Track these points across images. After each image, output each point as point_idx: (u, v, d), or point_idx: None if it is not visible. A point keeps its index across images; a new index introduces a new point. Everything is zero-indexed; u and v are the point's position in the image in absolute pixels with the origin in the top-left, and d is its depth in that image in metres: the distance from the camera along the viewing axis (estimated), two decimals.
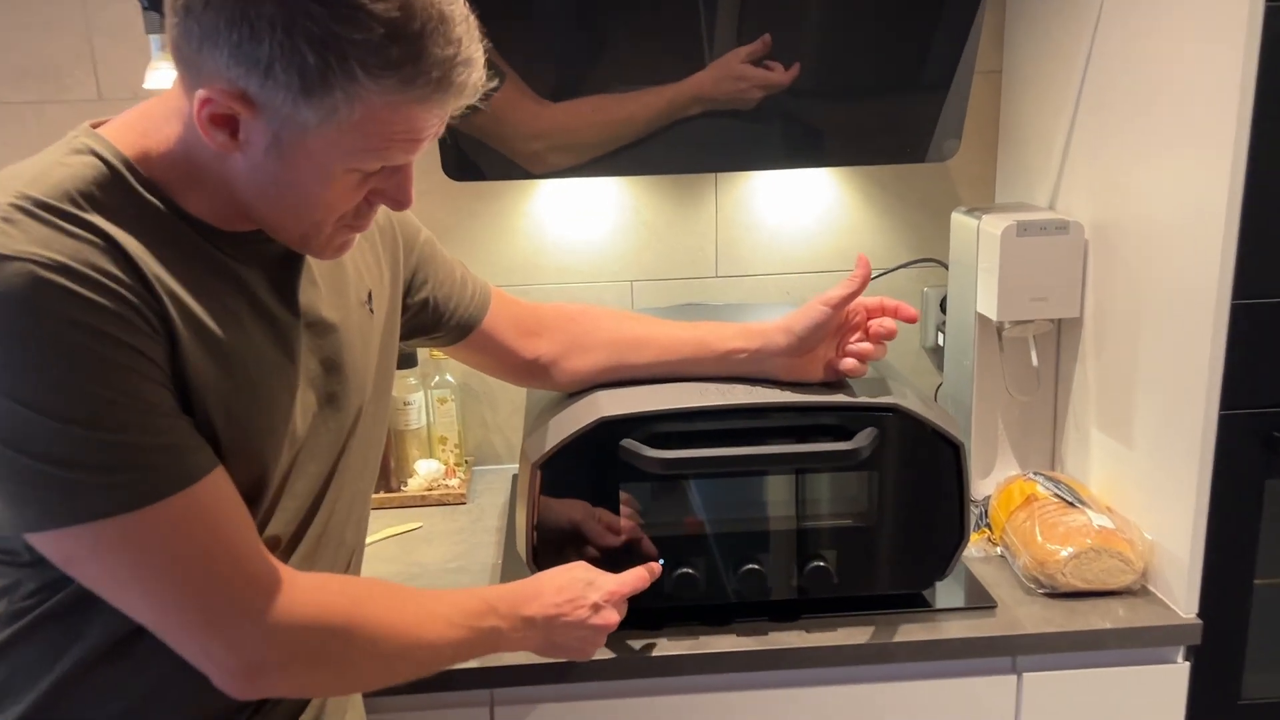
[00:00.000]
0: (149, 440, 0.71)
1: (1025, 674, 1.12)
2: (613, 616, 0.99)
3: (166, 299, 0.73)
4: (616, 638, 1.09)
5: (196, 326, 0.75)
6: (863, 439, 1.05)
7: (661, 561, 1.07)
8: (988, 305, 1.31)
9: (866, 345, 1.07)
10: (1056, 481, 1.25)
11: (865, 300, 1.09)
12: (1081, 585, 1.14)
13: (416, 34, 0.69)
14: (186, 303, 0.74)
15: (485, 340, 1.09)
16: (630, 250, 1.53)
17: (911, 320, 1.07)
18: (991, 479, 1.36)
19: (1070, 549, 1.14)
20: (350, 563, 0.94)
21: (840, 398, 1.07)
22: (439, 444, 1.52)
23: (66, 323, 0.68)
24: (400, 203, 0.79)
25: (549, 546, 1.08)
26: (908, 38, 1.31)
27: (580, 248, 1.52)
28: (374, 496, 1.46)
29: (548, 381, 1.13)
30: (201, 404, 0.75)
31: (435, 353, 1.48)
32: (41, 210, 0.70)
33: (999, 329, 1.34)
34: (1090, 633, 1.10)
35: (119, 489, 0.71)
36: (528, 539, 1.08)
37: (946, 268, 1.47)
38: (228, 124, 0.71)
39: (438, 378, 1.50)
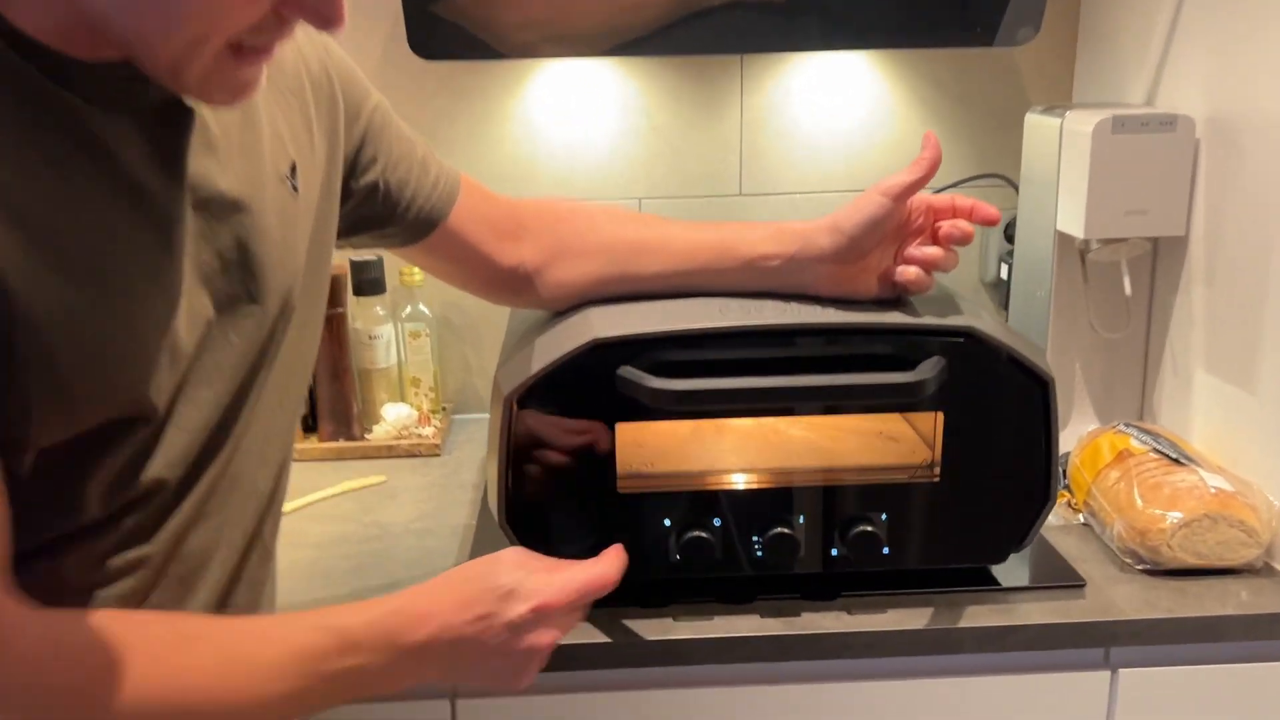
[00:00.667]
0: None
1: (1121, 670, 0.90)
2: (545, 636, 0.71)
3: None
4: (611, 618, 0.87)
5: (10, 203, 0.52)
6: (927, 369, 0.82)
7: (674, 523, 0.85)
8: (1071, 221, 1.07)
9: (934, 250, 0.83)
10: (1155, 435, 1.02)
11: (930, 198, 0.86)
12: (1192, 561, 0.92)
13: None
14: None
15: (451, 241, 0.86)
16: (639, 162, 1.30)
17: (992, 222, 0.84)
18: (1069, 432, 1.13)
19: (1178, 514, 0.91)
20: (265, 517, 0.72)
21: (899, 318, 0.84)
22: (411, 386, 1.30)
23: None
24: (326, 19, 0.56)
25: (526, 503, 0.86)
26: None
27: (579, 158, 1.29)
28: (331, 446, 1.25)
29: (530, 296, 0.90)
30: (24, 317, 0.52)
31: (407, 276, 1.26)
32: None
33: (1083, 252, 1.10)
34: (1204, 619, 0.87)
35: None
36: (500, 494, 0.86)
37: (1015, 186, 1.24)
38: None
39: (410, 308, 1.28)
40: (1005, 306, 1.28)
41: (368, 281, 1.25)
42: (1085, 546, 0.99)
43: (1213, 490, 0.93)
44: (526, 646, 0.70)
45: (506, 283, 0.89)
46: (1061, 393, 1.14)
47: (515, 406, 0.83)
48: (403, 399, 1.30)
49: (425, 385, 1.30)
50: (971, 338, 0.84)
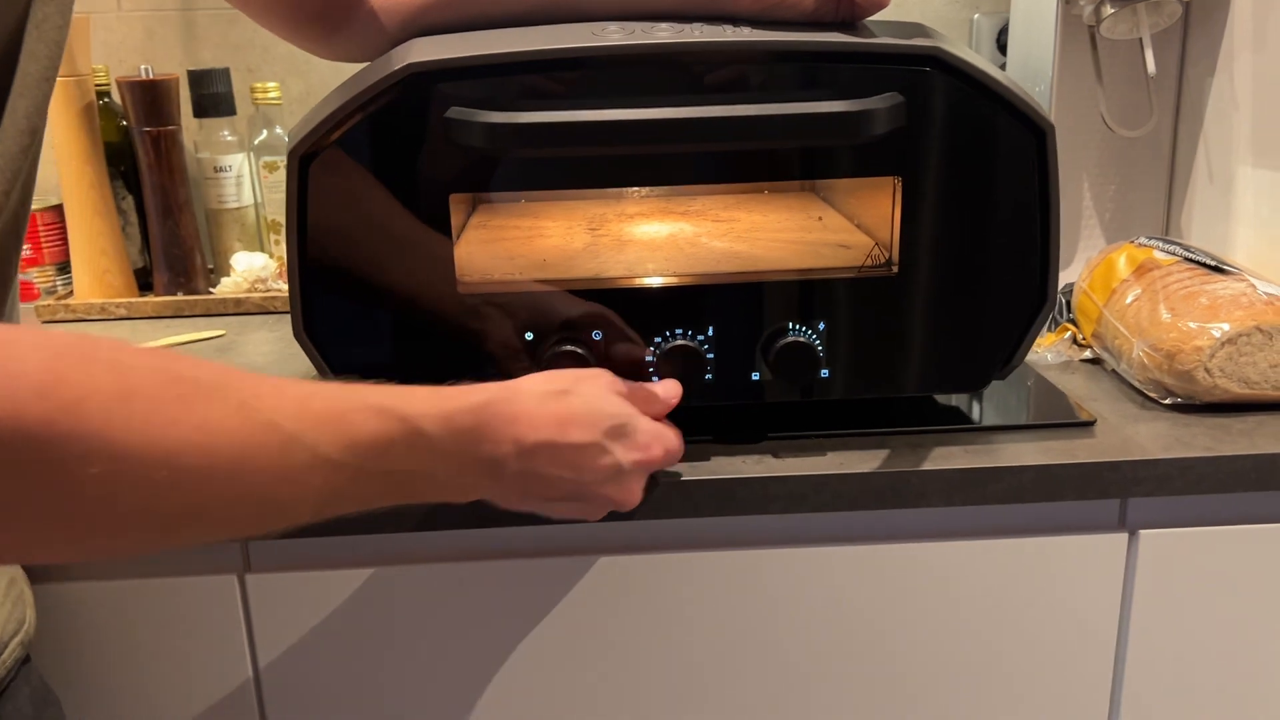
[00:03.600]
0: None
1: (1142, 531, 0.67)
2: (637, 493, 0.56)
3: None
4: None
5: None
6: (876, 101, 0.59)
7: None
8: None
9: None
10: (1185, 246, 0.79)
11: None
12: (1238, 390, 0.69)
13: None
14: None
15: None
16: None
17: None
18: (1077, 261, 0.90)
19: (1223, 326, 0.68)
20: None
21: (841, 39, 0.61)
22: (271, 232, 1.07)
23: None
24: None
25: (331, 305, 0.63)
26: None
27: None
28: (166, 300, 1.02)
29: (351, 34, 0.67)
30: None
31: (261, 93, 1.02)
32: None
33: (1093, 28, 0.86)
34: (1252, 460, 0.64)
35: None
36: (294, 291, 0.63)
37: None
38: None
39: (265, 133, 1.04)
40: None
41: (210, 98, 1.01)
42: (1095, 385, 0.76)
43: (1265, 297, 0.70)
44: (620, 497, 0.55)
45: (319, 12, 0.66)
46: (1066, 214, 0.91)
47: (303, 166, 0.60)
48: (261, 248, 1.07)
49: None
50: (940, 66, 0.61)
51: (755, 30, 0.61)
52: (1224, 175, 0.84)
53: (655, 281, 0.66)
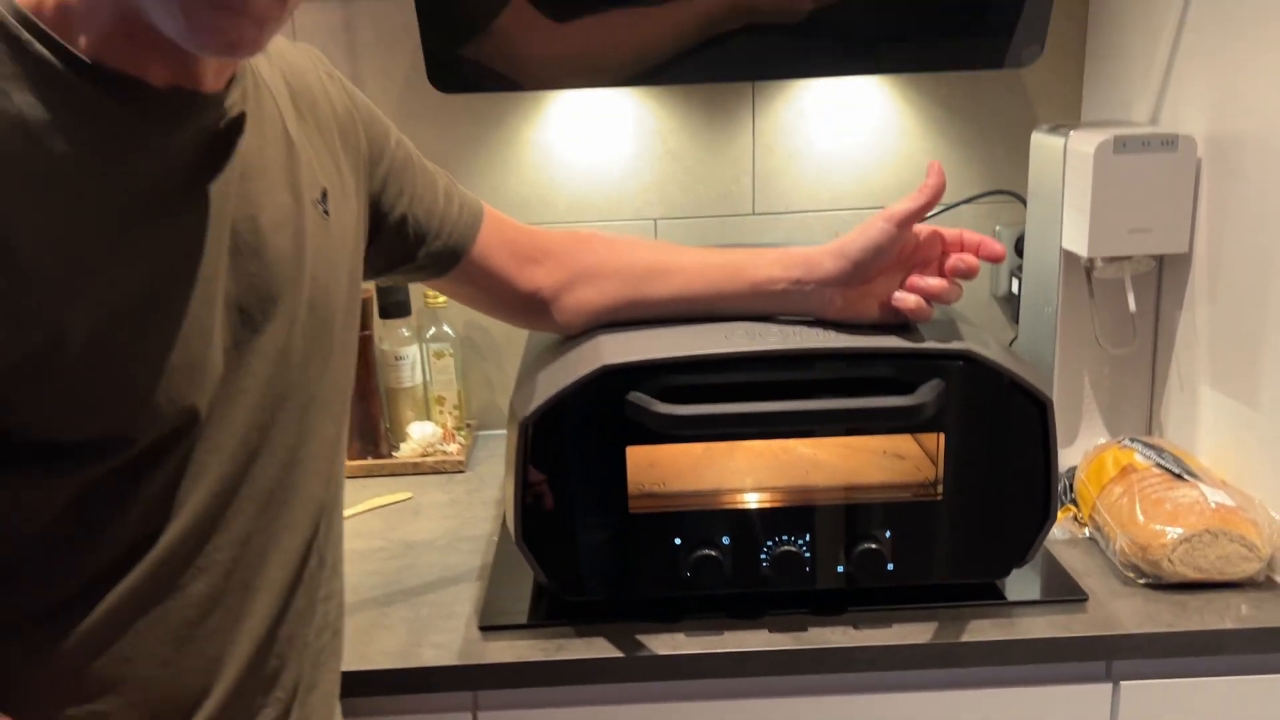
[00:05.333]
0: None
1: (1123, 682, 0.92)
2: None
3: None
4: (624, 633, 0.91)
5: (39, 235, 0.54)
6: (926, 393, 0.85)
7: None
8: (1076, 240, 1.09)
9: (937, 281, 0.86)
10: (1159, 450, 1.04)
11: (941, 230, 0.88)
12: (1193, 575, 0.94)
13: None
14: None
15: (476, 270, 0.90)
16: (653, 184, 1.33)
17: (998, 259, 0.86)
18: (1077, 447, 1.15)
19: (1179, 530, 0.93)
20: (319, 524, 0.75)
21: (898, 342, 0.87)
22: (436, 405, 1.34)
23: None
24: None
25: (542, 524, 0.89)
26: None
27: (595, 182, 1.33)
28: (360, 464, 1.30)
29: (548, 320, 0.94)
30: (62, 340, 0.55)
31: (431, 298, 1.30)
32: None
33: (1088, 269, 1.12)
34: (1205, 633, 0.89)
35: None
36: (516, 514, 0.89)
37: (1024, 202, 1.26)
38: None
39: (434, 329, 1.32)
40: (1016, 320, 1.30)
41: (393, 304, 1.30)
42: (1090, 560, 1.01)
43: (1213, 505, 0.94)
44: None
45: (525, 307, 0.93)
46: (1070, 406, 1.17)
47: (529, 431, 0.87)
48: (428, 417, 1.35)
49: (450, 403, 1.34)
50: (970, 361, 0.87)
51: (839, 334, 0.88)
52: (1191, 389, 1.09)
53: (765, 499, 0.92)
